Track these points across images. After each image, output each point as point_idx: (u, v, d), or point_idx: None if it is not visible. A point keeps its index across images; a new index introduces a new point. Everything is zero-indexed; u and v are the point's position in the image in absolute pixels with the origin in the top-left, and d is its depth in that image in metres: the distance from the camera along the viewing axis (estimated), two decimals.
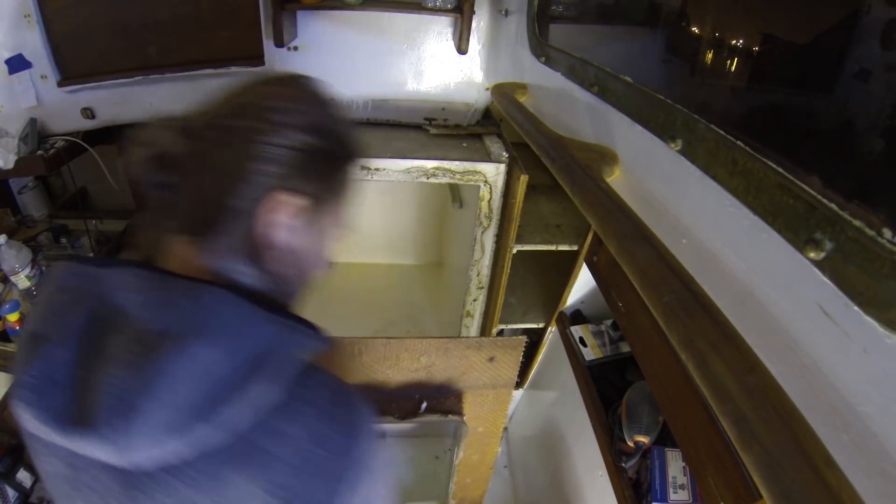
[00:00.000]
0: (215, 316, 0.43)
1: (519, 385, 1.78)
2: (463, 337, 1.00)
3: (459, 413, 1.01)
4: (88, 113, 1.59)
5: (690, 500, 0.88)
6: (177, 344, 0.40)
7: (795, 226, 0.45)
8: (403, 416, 1.00)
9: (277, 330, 0.45)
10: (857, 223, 0.38)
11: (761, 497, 0.54)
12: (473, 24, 1.40)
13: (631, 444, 0.96)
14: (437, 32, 1.47)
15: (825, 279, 0.41)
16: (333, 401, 0.47)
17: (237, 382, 0.41)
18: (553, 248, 1.32)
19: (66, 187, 2.04)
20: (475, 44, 1.47)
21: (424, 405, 0.99)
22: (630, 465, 0.96)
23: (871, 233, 0.37)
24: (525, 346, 1.68)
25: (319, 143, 0.50)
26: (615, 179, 0.81)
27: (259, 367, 0.42)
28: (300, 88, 0.52)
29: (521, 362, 1.78)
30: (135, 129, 0.48)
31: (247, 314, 0.44)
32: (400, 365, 0.94)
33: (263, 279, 0.50)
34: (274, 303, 0.48)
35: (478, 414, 1.01)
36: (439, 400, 0.99)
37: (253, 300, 0.45)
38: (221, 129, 0.48)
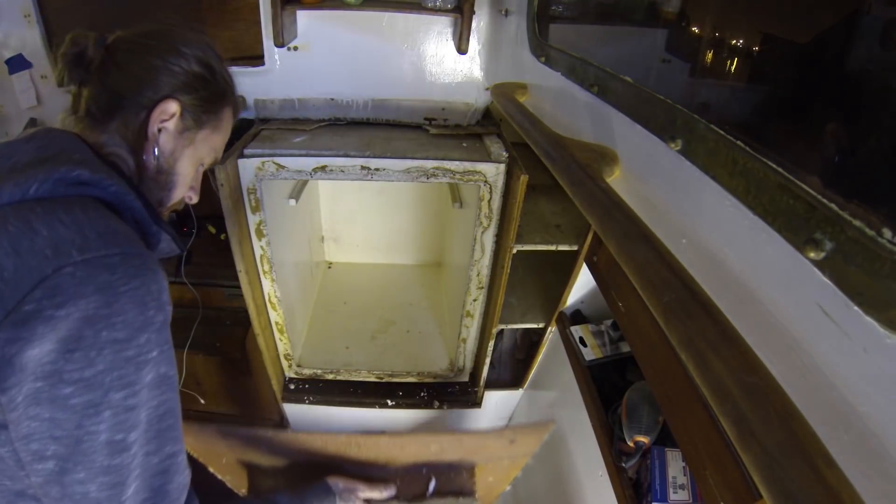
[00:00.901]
0: (50, 133, 0.58)
1: (519, 385, 1.78)
2: (480, 430, 0.89)
3: (471, 492, 0.93)
4: None
5: (690, 500, 0.88)
6: (10, 140, 0.57)
7: (795, 226, 0.45)
8: (409, 500, 0.90)
9: (91, 161, 0.56)
10: (857, 223, 0.38)
11: (761, 497, 0.54)
12: (473, 24, 1.40)
13: (631, 444, 0.96)
14: (437, 32, 1.47)
15: (825, 279, 0.41)
16: (99, 233, 0.50)
17: (23, 168, 0.51)
18: (553, 248, 1.32)
19: None
20: (475, 44, 1.47)
21: (433, 484, 0.90)
22: (630, 465, 0.96)
23: (871, 233, 0.37)
24: (526, 348, 1.67)
25: (208, 75, 0.68)
26: (615, 179, 0.81)
27: (44, 165, 0.52)
28: (204, 35, 0.70)
29: (521, 361, 1.79)
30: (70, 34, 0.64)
31: (73, 141, 0.58)
32: (406, 450, 0.86)
33: (134, 169, 0.64)
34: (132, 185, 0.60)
35: (490, 469, 0.95)
36: (449, 476, 0.91)
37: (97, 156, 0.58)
38: (135, 43, 0.65)
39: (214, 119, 0.71)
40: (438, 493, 0.90)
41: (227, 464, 0.85)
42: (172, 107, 0.64)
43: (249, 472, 0.87)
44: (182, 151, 0.68)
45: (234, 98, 0.75)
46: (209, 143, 0.72)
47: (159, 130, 0.64)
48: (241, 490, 0.89)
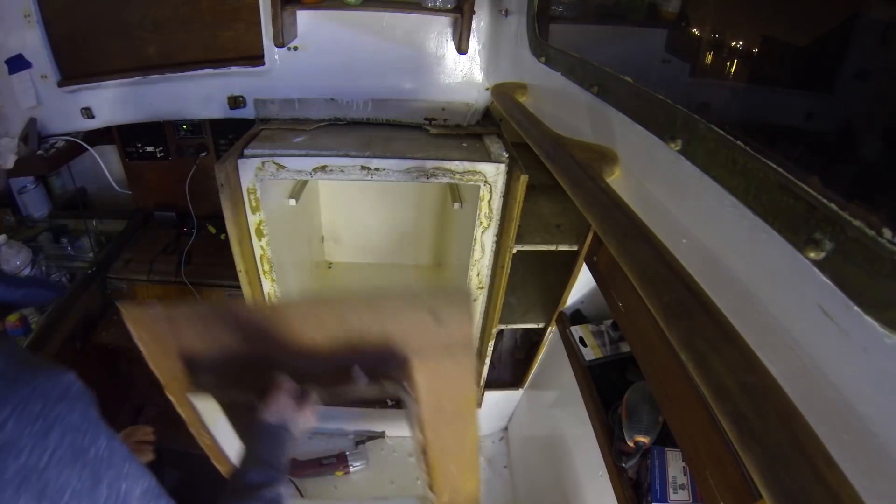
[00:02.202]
0: None
1: (519, 385, 1.78)
2: (395, 296, 0.78)
3: (399, 380, 0.84)
4: (88, 113, 1.59)
5: (690, 500, 0.88)
6: None
7: (795, 226, 0.45)
8: (327, 384, 0.83)
9: None
10: (857, 223, 0.38)
11: (761, 497, 0.54)
12: (473, 24, 1.40)
13: (631, 444, 0.96)
14: (437, 32, 1.47)
15: (825, 279, 0.41)
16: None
17: None
18: (553, 248, 1.32)
19: (66, 187, 2.04)
20: (475, 44, 1.47)
21: (357, 371, 0.82)
22: (630, 465, 0.96)
23: (871, 233, 0.37)
24: (526, 348, 1.65)
25: None
26: (615, 179, 0.81)
27: None
28: None
29: (521, 361, 1.79)
30: None
31: None
32: (326, 326, 0.79)
33: None
34: None
35: (438, 388, 0.85)
36: (382, 369, 0.83)
37: None
38: None
39: None
40: (372, 379, 0.83)
41: (172, 370, 0.82)
42: None
43: (191, 371, 0.84)
44: None
45: None
46: None
47: None
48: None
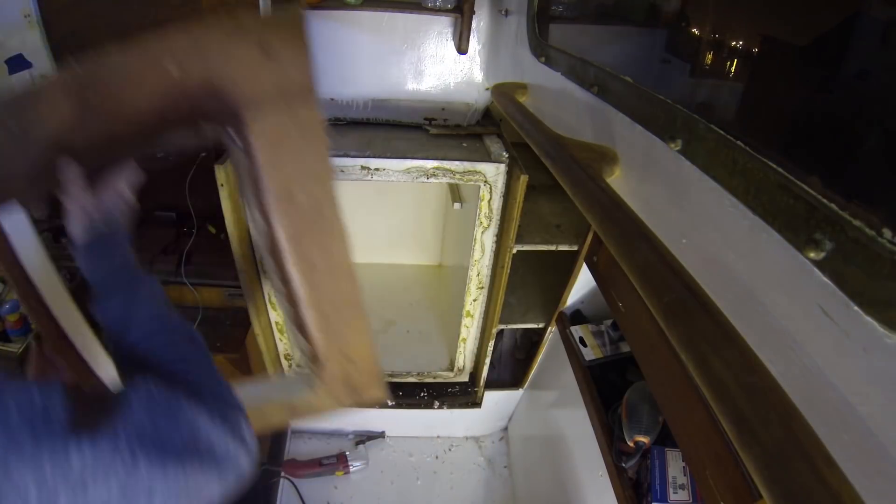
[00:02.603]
0: None
1: (519, 385, 1.78)
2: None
3: (223, 124, 0.66)
4: None
5: (690, 500, 0.88)
6: None
7: (795, 226, 0.45)
8: (140, 144, 0.67)
9: None
10: (857, 223, 0.38)
11: (761, 497, 0.54)
12: (473, 24, 1.40)
13: (631, 444, 0.96)
14: (437, 32, 1.47)
15: (825, 279, 0.41)
16: None
17: None
18: (553, 248, 1.33)
19: None
20: (475, 44, 1.47)
21: (170, 125, 0.66)
22: (630, 465, 0.96)
23: (871, 233, 0.37)
24: (526, 348, 1.64)
25: None
26: (615, 179, 0.81)
27: None
28: None
29: (521, 361, 1.79)
30: None
31: None
32: (145, 81, 0.65)
33: None
34: None
35: (281, 161, 0.68)
36: (207, 119, 0.67)
37: None
38: None
39: None
40: (194, 133, 0.68)
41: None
42: None
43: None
44: None
45: None
46: None
47: None
48: None
